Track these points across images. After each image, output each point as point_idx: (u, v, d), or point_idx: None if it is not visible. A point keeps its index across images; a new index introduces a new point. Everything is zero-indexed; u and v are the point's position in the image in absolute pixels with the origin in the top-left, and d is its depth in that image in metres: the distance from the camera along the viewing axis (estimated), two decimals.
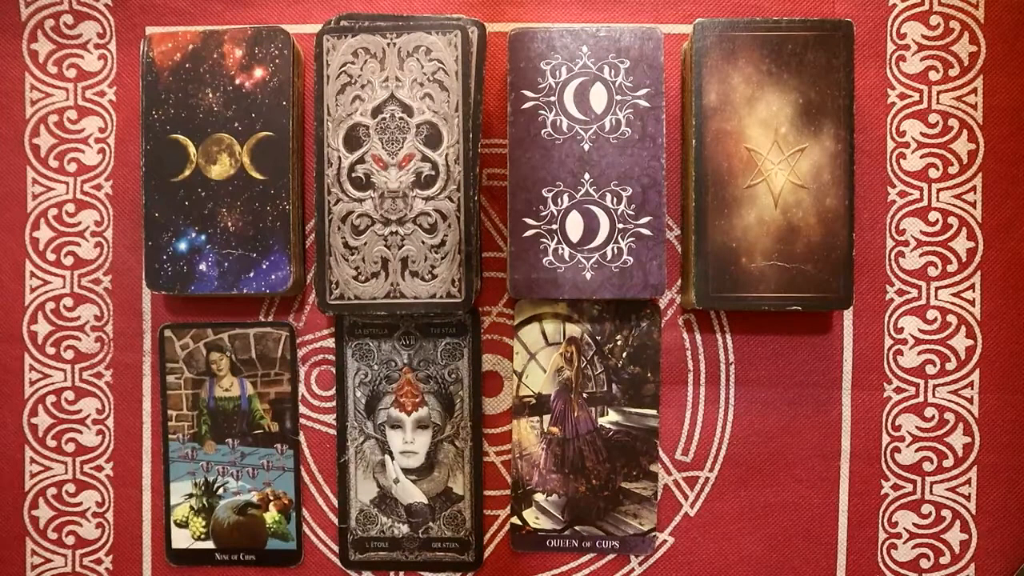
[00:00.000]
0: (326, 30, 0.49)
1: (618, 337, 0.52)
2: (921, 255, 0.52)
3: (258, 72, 0.50)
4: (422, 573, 0.53)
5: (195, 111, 0.50)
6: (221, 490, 0.53)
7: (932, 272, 0.52)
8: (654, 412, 0.52)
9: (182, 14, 0.53)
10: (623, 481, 0.52)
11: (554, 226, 0.49)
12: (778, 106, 0.49)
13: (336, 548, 0.53)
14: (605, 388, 0.52)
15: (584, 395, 0.52)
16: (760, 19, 0.49)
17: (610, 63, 0.49)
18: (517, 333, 0.52)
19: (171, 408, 0.53)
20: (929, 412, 0.52)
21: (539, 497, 0.52)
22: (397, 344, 0.52)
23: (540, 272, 0.49)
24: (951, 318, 0.52)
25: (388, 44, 0.49)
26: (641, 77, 0.49)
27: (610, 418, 0.52)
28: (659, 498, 0.52)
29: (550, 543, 0.52)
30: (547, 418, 0.52)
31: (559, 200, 0.49)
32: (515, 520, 0.52)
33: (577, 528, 0.52)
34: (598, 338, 0.52)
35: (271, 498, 0.53)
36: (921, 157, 0.52)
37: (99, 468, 0.54)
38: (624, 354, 0.52)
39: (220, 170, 0.51)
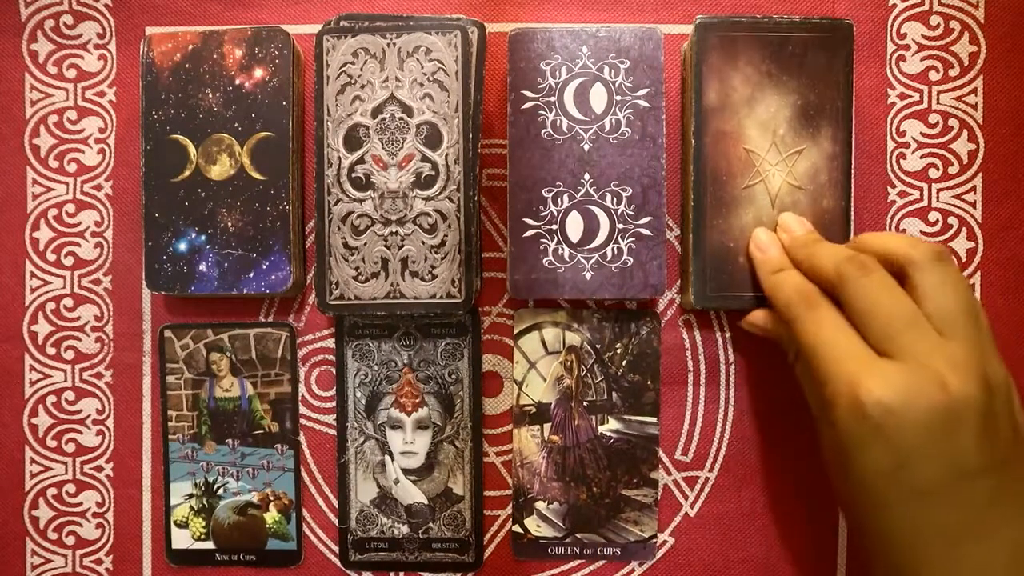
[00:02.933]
0: (326, 30, 0.49)
1: (618, 345, 0.52)
2: None
3: (258, 72, 0.50)
4: (422, 573, 0.53)
5: (195, 111, 0.51)
6: (221, 490, 0.53)
7: None
8: (654, 420, 0.52)
9: (182, 14, 0.53)
10: (624, 488, 0.52)
11: (554, 226, 0.49)
12: (777, 107, 0.49)
13: (336, 548, 0.53)
14: (605, 396, 0.52)
15: (584, 403, 0.52)
16: (761, 17, 0.49)
17: (610, 63, 0.49)
18: (517, 342, 0.52)
19: (171, 408, 0.53)
20: None
21: (540, 505, 0.52)
22: (397, 344, 0.52)
23: (540, 272, 0.49)
24: None
25: (388, 44, 0.49)
26: (641, 77, 0.49)
27: (610, 426, 0.52)
28: (659, 503, 0.52)
29: (552, 551, 0.52)
30: (547, 427, 0.52)
31: (559, 200, 0.49)
32: (516, 528, 0.52)
33: (578, 536, 0.52)
34: (598, 346, 0.52)
35: (271, 498, 0.53)
36: (921, 157, 0.52)
37: (99, 468, 0.54)
38: (624, 362, 0.52)
39: (220, 170, 0.51)
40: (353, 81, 0.49)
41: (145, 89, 0.51)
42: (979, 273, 0.52)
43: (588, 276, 0.49)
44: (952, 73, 0.52)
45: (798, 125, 0.49)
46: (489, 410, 0.53)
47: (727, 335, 0.53)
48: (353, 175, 0.50)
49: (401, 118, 0.49)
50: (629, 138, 0.49)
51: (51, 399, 0.54)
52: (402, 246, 0.49)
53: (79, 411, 0.54)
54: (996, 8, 0.52)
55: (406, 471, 0.52)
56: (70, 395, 0.54)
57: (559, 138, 0.49)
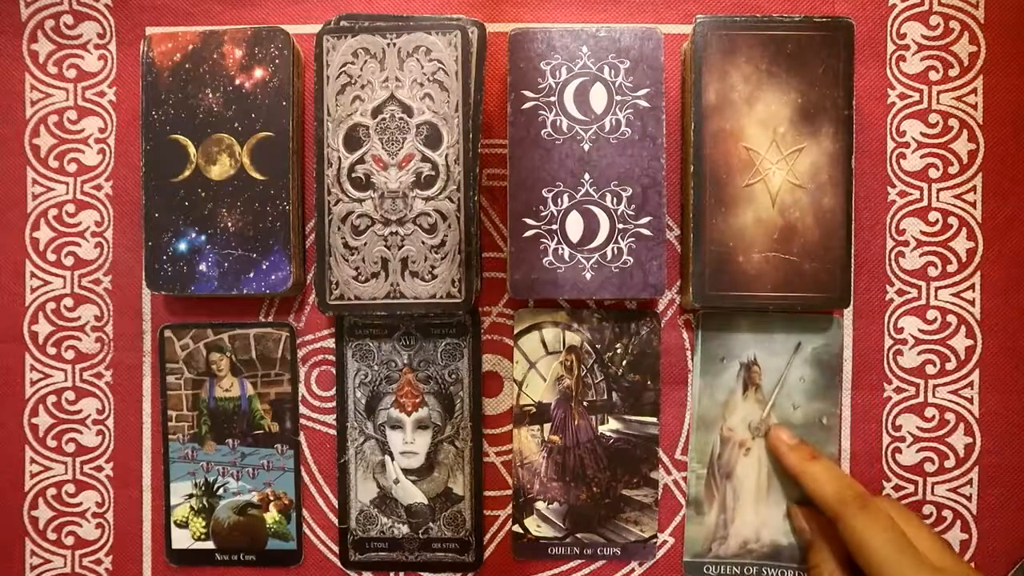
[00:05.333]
0: (326, 30, 0.50)
1: (618, 345, 0.52)
2: (921, 255, 0.52)
3: (258, 72, 0.50)
4: (422, 574, 0.53)
5: (195, 111, 0.51)
6: (221, 490, 0.53)
7: (932, 272, 0.52)
8: (654, 420, 0.52)
9: (182, 14, 0.53)
10: (624, 489, 0.52)
11: (554, 226, 0.49)
12: (777, 106, 0.49)
13: (336, 548, 0.53)
14: (605, 396, 0.52)
15: (584, 403, 0.52)
16: (760, 16, 0.49)
17: (610, 63, 0.49)
18: (517, 342, 0.52)
19: (171, 408, 0.53)
20: (929, 412, 0.52)
21: (540, 505, 0.52)
22: (397, 344, 0.52)
23: (540, 272, 0.49)
24: (951, 318, 0.52)
25: (388, 44, 0.49)
26: (641, 77, 0.49)
27: (610, 426, 0.52)
28: (659, 503, 0.52)
29: (552, 551, 0.52)
30: (547, 427, 0.52)
31: (559, 200, 0.49)
32: (516, 529, 0.52)
33: (578, 536, 0.52)
34: (598, 346, 0.52)
35: (271, 498, 0.53)
36: (921, 157, 0.52)
37: (99, 468, 0.54)
38: (624, 362, 0.52)
39: (220, 170, 0.51)
40: (353, 81, 0.49)
41: (145, 89, 0.51)
42: (979, 273, 0.52)
43: (588, 276, 0.49)
44: (952, 73, 0.52)
45: (798, 123, 0.49)
46: (489, 410, 0.53)
47: None
48: (353, 175, 0.50)
49: (401, 118, 0.49)
50: (629, 138, 0.49)
51: (51, 399, 0.54)
52: (402, 246, 0.49)
53: (79, 411, 0.54)
54: (996, 8, 0.52)
55: (406, 471, 0.52)
56: (70, 395, 0.54)
57: (559, 138, 0.49)
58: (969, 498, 0.52)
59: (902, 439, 0.52)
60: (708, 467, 0.52)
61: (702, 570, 0.52)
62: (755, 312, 0.51)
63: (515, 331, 0.52)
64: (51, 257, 0.53)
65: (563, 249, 0.49)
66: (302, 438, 0.53)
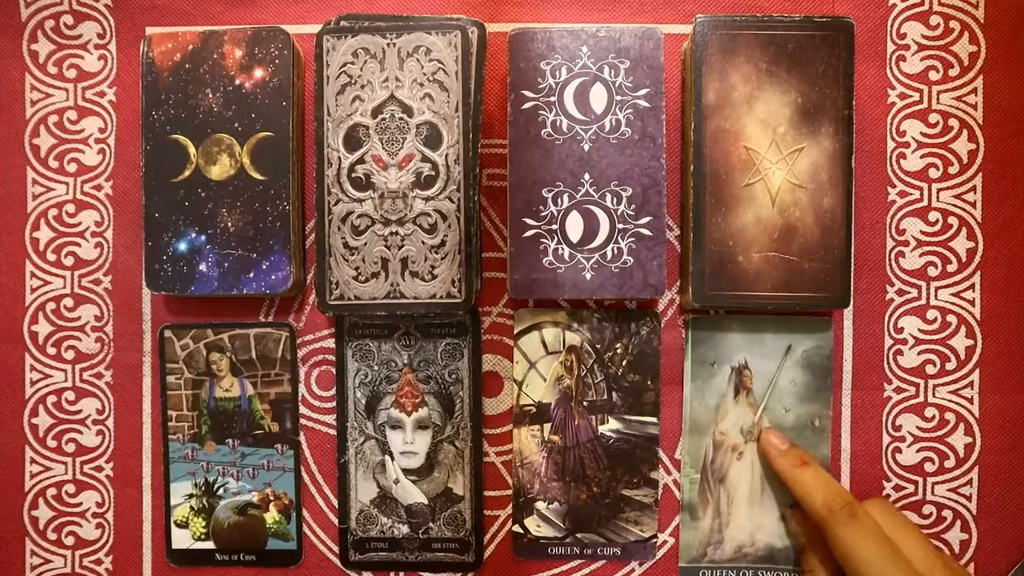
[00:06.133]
0: (326, 30, 0.50)
1: (618, 345, 0.52)
2: (921, 255, 0.52)
3: (258, 72, 0.50)
4: (422, 574, 0.53)
5: (195, 111, 0.51)
6: (221, 490, 0.53)
7: (932, 272, 0.52)
8: (654, 420, 0.52)
9: (182, 14, 0.53)
10: (624, 488, 0.52)
11: (554, 226, 0.49)
12: (777, 105, 0.49)
13: (336, 548, 0.53)
14: (605, 396, 0.52)
15: (584, 403, 0.52)
16: (761, 16, 0.49)
17: (610, 63, 0.49)
18: (517, 342, 0.52)
19: (171, 408, 0.53)
20: (929, 412, 0.52)
21: (540, 505, 0.52)
22: (397, 344, 0.52)
23: (540, 272, 0.49)
24: (951, 318, 0.52)
25: (388, 44, 0.49)
26: (641, 77, 0.49)
27: (610, 426, 0.52)
28: (659, 503, 0.52)
29: (552, 551, 0.52)
30: (547, 427, 0.52)
31: (559, 200, 0.49)
32: (516, 528, 0.52)
33: (579, 536, 0.52)
34: (598, 346, 0.52)
35: (271, 498, 0.53)
36: (921, 157, 0.52)
37: (99, 468, 0.54)
38: (624, 362, 0.52)
39: (220, 170, 0.51)
40: (353, 81, 0.49)
41: (145, 89, 0.51)
42: (979, 273, 0.52)
43: (588, 276, 0.49)
44: (952, 73, 0.52)
45: (798, 123, 0.49)
46: (489, 410, 0.53)
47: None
48: (353, 175, 0.50)
49: (401, 118, 0.49)
50: (629, 138, 0.49)
51: (51, 399, 0.54)
52: (402, 246, 0.49)
53: (79, 411, 0.54)
54: (996, 8, 0.52)
55: (406, 471, 0.52)
56: (70, 395, 0.54)
57: (559, 138, 0.49)
58: (969, 498, 0.52)
59: (902, 439, 0.52)
60: (701, 472, 0.52)
61: (697, 575, 0.52)
62: (746, 314, 0.51)
63: (515, 331, 0.52)
64: (51, 257, 0.53)
65: (563, 249, 0.49)
66: (302, 438, 0.53)
